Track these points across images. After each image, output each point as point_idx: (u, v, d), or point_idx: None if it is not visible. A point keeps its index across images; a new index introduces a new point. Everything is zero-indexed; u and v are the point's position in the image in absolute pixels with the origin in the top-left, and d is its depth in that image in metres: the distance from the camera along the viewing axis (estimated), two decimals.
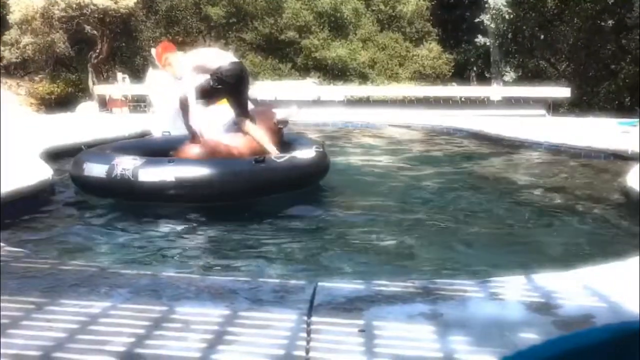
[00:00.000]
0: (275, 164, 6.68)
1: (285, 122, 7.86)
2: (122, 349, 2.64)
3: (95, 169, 6.45)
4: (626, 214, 6.28)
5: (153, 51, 7.36)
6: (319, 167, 7.21)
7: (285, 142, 7.72)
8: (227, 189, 6.40)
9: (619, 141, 9.99)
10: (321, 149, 7.21)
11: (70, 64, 23.45)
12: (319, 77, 24.34)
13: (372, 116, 15.12)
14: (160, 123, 7.38)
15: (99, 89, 18.43)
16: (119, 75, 19.97)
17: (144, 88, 7.50)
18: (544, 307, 3.11)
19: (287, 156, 6.82)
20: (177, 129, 7.58)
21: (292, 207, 6.51)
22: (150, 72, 7.19)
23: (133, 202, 6.36)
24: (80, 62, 22.61)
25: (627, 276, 3.59)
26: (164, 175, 6.22)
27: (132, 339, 2.73)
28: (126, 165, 6.33)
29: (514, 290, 3.38)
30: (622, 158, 8.96)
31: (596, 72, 22.63)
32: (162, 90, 7.01)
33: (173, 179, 6.21)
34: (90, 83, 20.94)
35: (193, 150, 6.87)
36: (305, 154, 6.99)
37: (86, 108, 16.84)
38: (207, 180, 6.32)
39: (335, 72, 24.99)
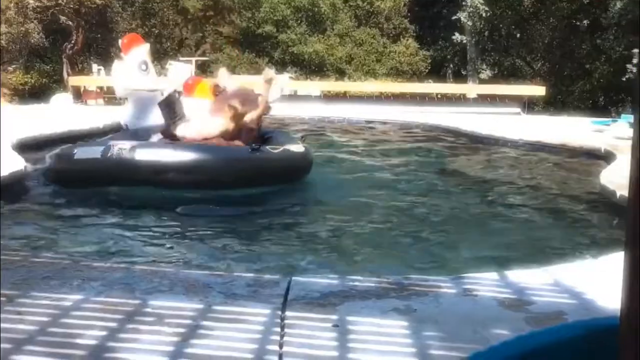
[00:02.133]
0: (271, 154, 6.62)
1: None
2: (94, 342, 2.62)
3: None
4: (599, 212, 6.35)
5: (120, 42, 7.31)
6: (308, 161, 7.17)
7: (264, 137, 7.62)
8: (222, 176, 6.35)
9: (592, 140, 10.09)
10: (304, 144, 7.22)
11: (45, 54, 23.17)
12: (296, 72, 24.30)
13: (349, 111, 15.13)
14: (128, 115, 7.27)
15: (74, 80, 18.24)
16: (94, 66, 19.76)
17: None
18: (516, 304, 3.14)
19: (281, 148, 6.78)
20: (144, 121, 7.44)
21: (268, 201, 6.50)
22: (115, 64, 7.10)
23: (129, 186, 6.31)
24: (55, 52, 22.35)
25: (598, 273, 3.63)
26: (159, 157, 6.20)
27: (104, 333, 2.71)
28: (123, 146, 6.29)
29: (486, 287, 3.40)
30: (596, 157, 9.05)
31: (571, 72, 22.82)
32: (127, 82, 6.91)
33: (168, 161, 6.18)
34: (64, 74, 20.71)
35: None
36: (296, 147, 6.97)
37: (60, 99, 16.63)
38: (200, 166, 6.29)
39: (313, 67, 24.96)
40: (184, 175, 6.23)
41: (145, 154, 6.22)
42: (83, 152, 6.48)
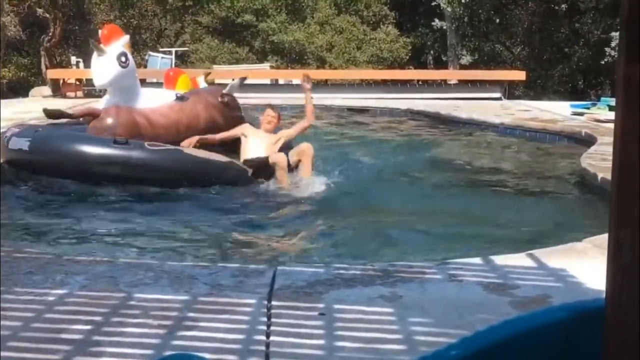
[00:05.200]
0: (143, 151, 6.13)
1: (229, 95, 7.43)
2: (79, 336, 2.61)
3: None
4: (581, 195, 6.39)
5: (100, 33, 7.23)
6: (216, 168, 6.41)
7: None
8: (78, 167, 6.07)
9: (573, 123, 10.15)
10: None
11: (22, 47, 22.96)
12: (276, 61, 24.22)
13: (330, 100, 15.12)
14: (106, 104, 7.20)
15: (52, 73, 18.07)
16: (73, 59, 19.60)
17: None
18: (501, 288, 3.15)
19: (166, 146, 6.28)
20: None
21: (250, 192, 6.47)
22: (95, 57, 7.02)
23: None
24: (32, 45, 22.15)
25: (582, 256, 3.65)
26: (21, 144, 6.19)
27: (89, 327, 2.70)
28: (8, 132, 6.41)
29: (471, 272, 3.42)
30: (576, 140, 9.10)
31: (550, 56, 22.90)
32: (107, 75, 6.83)
33: (27, 148, 6.14)
34: (43, 67, 20.52)
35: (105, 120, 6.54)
36: (201, 152, 6.43)
37: (39, 93, 16.49)
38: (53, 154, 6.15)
39: (293, 56, 24.89)
40: (35, 161, 6.20)
41: (14, 142, 6.24)
42: None
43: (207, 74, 8.93)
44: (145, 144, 6.24)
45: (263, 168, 6.48)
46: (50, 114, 6.94)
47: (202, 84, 8.23)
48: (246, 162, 6.56)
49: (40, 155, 6.15)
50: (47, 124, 7.15)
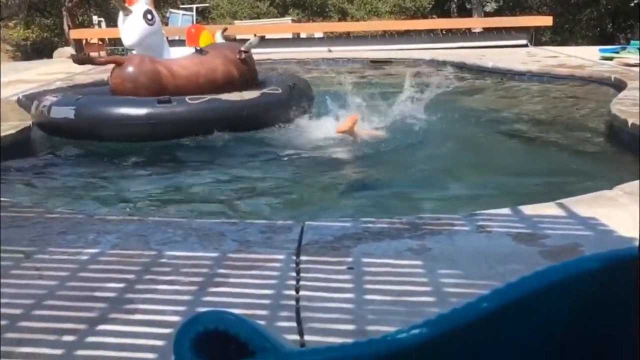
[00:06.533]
0: (184, 106, 6.42)
1: (246, 52, 7.59)
2: (112, 294, 2.65)
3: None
4: (611, 141, 6.31)
5: None
6: (258, 109, 6.85)
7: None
8: (128, 129, 6.32)
9: (602, 69, 9.97)
10: (275, 90, 7.07)
11: (44, 8, 22.98)
12: (297, 15, 24.02)
13: (352, 52, 14.98)
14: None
15: (75, 33, 18.09)
16: (95, 18, 19.61)
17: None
18: (531, 238, 3.14)
19: (205, 97, 6.55)
20: None
21: (276, 145, 6.48)
22: (121, 16, 7.03)
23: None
24: (55, 6, 22.16)
25: (613, 204, 3.62)
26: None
27: (122, 285, 2.74)
28: (46, 102, 6.60)
29: (500, 223, 3.40)
30: (606, 85, 8.96)
31: None
32: (135, 34, 6.86)
33: (73, 117, 6.34)
34: (65, 27, 20.55)
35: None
36: (234, 95, 6.70)
37: (64, 53, 16.56)
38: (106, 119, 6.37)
39: (315, 9, 24.64)
40: (83, 128, 6.40)
41: (57, 111, 6.45)
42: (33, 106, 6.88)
43: (224, 29, 8.95)
44: (186, 98, 6.46)
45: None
46: (78, 59, 7.11)
47: (219, 39, 8.24)
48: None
49: (88, 122, 6.37)
50: (76, 88, 7.31)
